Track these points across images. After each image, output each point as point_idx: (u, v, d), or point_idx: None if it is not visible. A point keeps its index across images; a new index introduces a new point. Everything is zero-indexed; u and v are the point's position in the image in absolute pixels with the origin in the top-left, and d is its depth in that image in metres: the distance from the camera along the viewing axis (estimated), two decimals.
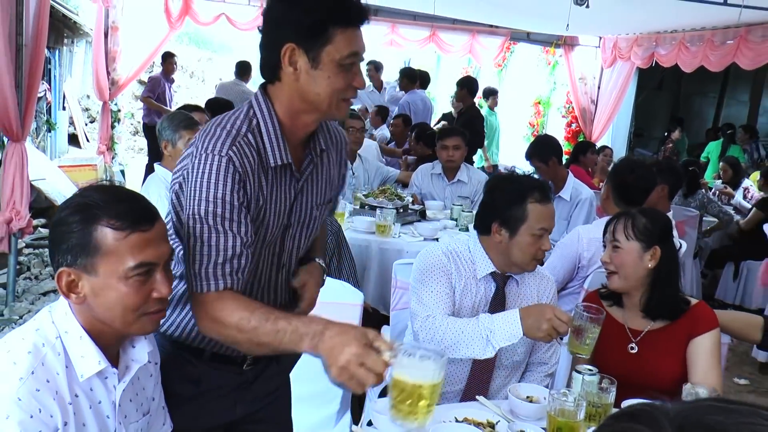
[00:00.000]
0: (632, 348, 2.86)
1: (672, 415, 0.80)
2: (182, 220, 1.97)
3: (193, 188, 1.93)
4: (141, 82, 13.16)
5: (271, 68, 2.00)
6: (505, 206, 2.79)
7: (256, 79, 11.48)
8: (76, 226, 1.72)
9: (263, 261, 2.15)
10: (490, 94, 11.59)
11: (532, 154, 5.57)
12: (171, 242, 1.94)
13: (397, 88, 10.89)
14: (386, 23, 11.81)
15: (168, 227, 1.97)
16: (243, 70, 10.92)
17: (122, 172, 10.59)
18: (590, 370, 2.50)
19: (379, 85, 10.97)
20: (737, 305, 7.46)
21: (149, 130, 10.05)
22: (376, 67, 10.92)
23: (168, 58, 10.73)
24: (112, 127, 10.76)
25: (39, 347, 1.72)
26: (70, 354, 1.76)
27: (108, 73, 10.32)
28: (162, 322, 2.03)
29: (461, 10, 10.70)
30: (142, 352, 1.93)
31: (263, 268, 2.17)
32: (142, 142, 12.32)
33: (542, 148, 5.58)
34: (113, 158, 10.72)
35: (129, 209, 1.76)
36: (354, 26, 1.94)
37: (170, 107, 10.33)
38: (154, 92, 10.50)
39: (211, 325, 1.96)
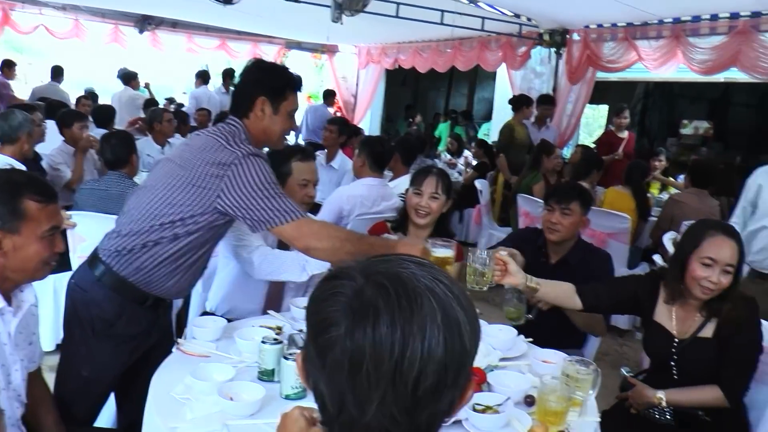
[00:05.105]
0: None
1: (359, 268, 0.97)
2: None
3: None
4: None
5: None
6: (276, 165, 2.89)
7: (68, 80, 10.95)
8: (4, 198, 1.86)
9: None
10: None
11: (339, 123, 6.48)
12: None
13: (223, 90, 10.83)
14: (184, 34, 11.63)
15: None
16: (58, 72, 10.21)
17: None
18: None
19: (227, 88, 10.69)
20: (462, 240, 8.15)
21: None
22: (229, 75, 10.73)
23: (11, 66, 9.64)
24: None
25: None
26: None
27: None
28: (127, 272, 2.33)
29: (244, 23, 10.75)
30: (29, 295, 2.07)
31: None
32: None
33: (346, 125, 6.58)
34: None
35: (45, 187, 1.94)
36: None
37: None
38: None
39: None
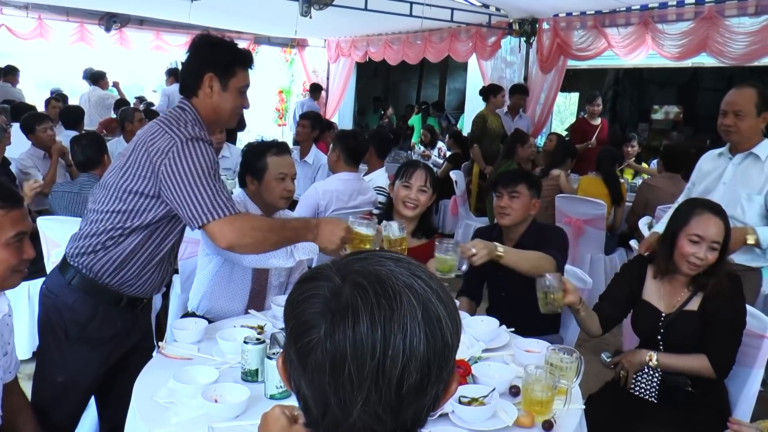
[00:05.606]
0: None
1: (335, 269, 0.95)
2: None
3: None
4: None
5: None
6: (252, 161, 2.96)
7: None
8: None
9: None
10: None
11: (312, 118, 6.45)
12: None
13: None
14: (151, 31, 11.50)
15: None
16: (9, 72, 9.82)
17: None
18: None
19: None
20: (440, 232, 8.11)
21: None
22: None
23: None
24: None
25: None
26: None
27: None
28: (95, 273, 2.28)
29: (212, 19, 10.64)
30: (2, 304, 2.02)
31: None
32: None
33: (319, 120, 6.59)
34: None
35: (8, 192, 1.88)
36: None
37: None
38: None
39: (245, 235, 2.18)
